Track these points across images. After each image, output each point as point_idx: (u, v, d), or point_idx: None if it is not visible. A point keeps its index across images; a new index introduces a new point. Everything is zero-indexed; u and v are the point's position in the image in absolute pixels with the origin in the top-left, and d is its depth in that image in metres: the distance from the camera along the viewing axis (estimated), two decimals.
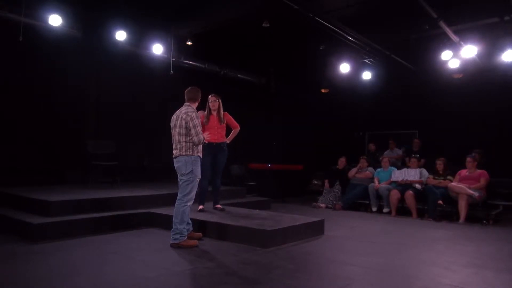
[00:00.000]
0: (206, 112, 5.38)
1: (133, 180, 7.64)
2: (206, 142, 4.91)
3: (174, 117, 4.33)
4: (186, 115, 4.16)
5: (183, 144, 4.14)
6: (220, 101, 5.40)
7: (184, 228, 4.12)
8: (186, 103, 4.37)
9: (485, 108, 8.94)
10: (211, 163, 5.32)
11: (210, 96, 5.37)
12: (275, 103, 11.35)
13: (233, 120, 5.56)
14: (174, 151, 4.22)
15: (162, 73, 8.25)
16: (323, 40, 8.35)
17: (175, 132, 4.23)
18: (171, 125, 4.34)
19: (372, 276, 3.34)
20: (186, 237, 4.15)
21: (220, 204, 5.59)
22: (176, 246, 4.07)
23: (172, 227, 4.13)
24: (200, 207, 5.37)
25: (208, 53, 9.31)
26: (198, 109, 4.56)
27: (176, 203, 4.16)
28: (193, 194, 4.19)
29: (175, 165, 4.20)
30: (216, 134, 5.33)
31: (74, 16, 6.84)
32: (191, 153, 4.14)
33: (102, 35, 7.16)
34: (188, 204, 4.16)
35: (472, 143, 7.70)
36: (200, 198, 5.30)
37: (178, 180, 4.22)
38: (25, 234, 4.33)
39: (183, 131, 4.15)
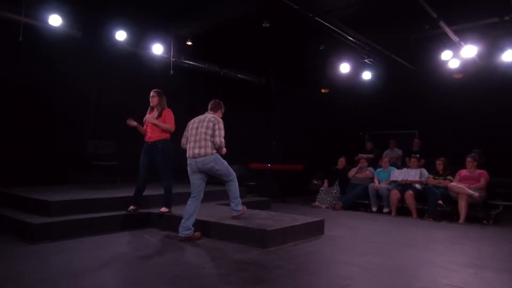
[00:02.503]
0: (149, 108, 5.22)
1: (133, 180, 7.63)
2: (145, 141, 5.09)
3: (196, 120, 4.62)
4: (214, 119, 4.52)
5: (209, 143, 4.43)
6: (161, 97, 5.10)
7: (239, 200, 4.76)
8: (210, 112, 4.70)
9: (485, 108, 8.95)
10: (147, 163, 5.05)
11: (151, 92, 5.17)
12: (275, 103, 11.35)
13: (172, 119, 5.07)
14: (196, 150, 4.44)
15: (162, 73, 8.24)
16: (323, 40, 8.35)
17: (198, 132, 4.47)
18: (191, 126, 4.59)
19: (372, 276, 3.34)
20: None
21: (166, 207, 5.10)
22: (239, 216, 4.72)
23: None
24: (131, 207, 5.12)
25: (208, 53, 9.31)
26: None
27: (226, 185, 4.68)
28: (231, 171, 4.65)
29: (206, 166, 4.44)
30: (150, 132, 5.06)
31: (74, 16, 6.84)
32: (215, 152, 4.48)
33: (102, 35, 7.16)
34: (234, 178, 4.67)
35: (472, 143, 7.70)
36: (133, 198, 5.19)
37: (203, 178, 4.54)
38: (25, 234, 4.33)
39: (209, 131, 4.44)
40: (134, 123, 5.15)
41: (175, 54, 8.25)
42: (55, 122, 7.25)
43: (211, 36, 8.58)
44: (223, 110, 4.78)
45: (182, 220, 4.39)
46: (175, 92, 9.56)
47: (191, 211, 4.41)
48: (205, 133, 4.43)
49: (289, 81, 11.42)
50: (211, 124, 4.46)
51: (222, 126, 4.51)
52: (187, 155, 4.52)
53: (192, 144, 4.47)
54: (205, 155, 4.39)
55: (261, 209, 5.99)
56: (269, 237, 4.18)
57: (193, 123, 4.60)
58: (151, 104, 5.17)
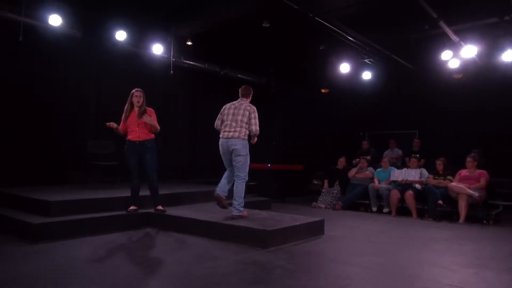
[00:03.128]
0: (127, 107, 5.12)
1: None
2: (128, 140, 5.05)
3: (231, 105, 4.99)
4: (250, 107, 4.90)
5: (243, 129, 4.81)
6: (144, 96, 5.13)
7: (243, 201, 4.82)
8: (243, 98, 5.06)
9: (485, 108, 8.94)
10: (138, 163, 5.06)
11: (135, 91, 5.11)
12: (275, 103, 11.35)
13: (156, 119, 5.19)
14: (230, 133, 4.80)
15: (162, 73, 8.24)
16: (323, 40, 8.34)
17: (234, 118, 4.84)
18: (226, 111, 4.96)
19: (372, 276, 3.35)
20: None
21: (161, 206, 5.24)
22: (238, 217, 4.74)
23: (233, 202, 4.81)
24: (132, 207, 5.15)
25: (208, 53, 9.31)
26: None
27: (235, 182, 4.83)
28: (247, 171, 4.88)
29: (232, 146, 4.77)
30: (138, 132, 5.04)
31: (74, 16, 6.83)
32: (247, 138, 4.85)
33: (102, 35, 7.15)
34: (246, 179, 4.84)
35: (472, 143, 7.69)
36: (131, 198, 5.18)
37: (232, 160, 4.83)
38: (25, 234, 4.33)
39: (245, 119, 4.82)
40: (114, 124, 5.06)
41: (175, 54, 8.25)
42: (55, 122, 7.25)
43: (211, 36, 8.57)
44: (251, 96, 5.15)
45: (220, 183, 4.96)
46: (175, 92, 9.61)
47: (228, 180, 4.98)
48: (241, 120, 4.81)
49: (289, 81, 11.41)
50: (247, 113, 4.83)
51: (257, 115, 4.86)
52: (221, 135, 4.91)
53: (228, 128, 4.85)
54: (238, 137, 4.77)
55: (261, 209, 5.98)
56: (269, 237, 4.18)
57: (229, 108, 4.96)
58: (136, 104, 5.08)
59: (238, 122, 4.82)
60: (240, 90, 5.16)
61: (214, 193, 4.92)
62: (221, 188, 4.93)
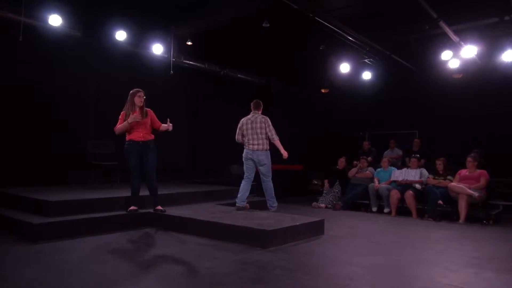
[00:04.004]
0: (128, 106, 5.06)
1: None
2: (131, 140, 5.02)
3: (248, 121, 5.74)
4: (263, 118, 5.70)
5: (265, 140, 5.65)
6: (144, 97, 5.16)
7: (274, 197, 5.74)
8: (255, 111, 5.81)
9: (485, 108, 8.94)
10: (139, 163, 5.05)
11: (136, 91, 5.09)
12: (275, 103, 11.34)
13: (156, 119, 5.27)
14: (255, 146, 5.63)
15: (162, 73, 8.24)
16: (323, 40, 8.34)
17: (254, 132, 5.65)
18: (245, 127, 5.71)
19: (372, 276, 3.34)
20: None
21: (161, 206, 5.26)
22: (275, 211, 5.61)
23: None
24: (132, 207, 5.13)
25: (208, 53, 9.31)
26: None
27: (264, 183, 5.70)
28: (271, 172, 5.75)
29: (258, 157, 5.63)
30: (143, 131, 5.04)
31: (74, 16, 6.83)
32: (268, 148, 5.68)
33: (102, 35, 7.15)
34: (272, 183, 5.73)
35: (472, 143, 7.69)
36: (132, 198, 5.18)
37: (253, 167, 5.71)
38: (25, 234, 4.33)
39: (263, 130, 5.63)
40: (138, 117, 4.98)
41: (175, 54, 8.25)
42: (55, 122, 7.25)
43: (211, 36, 8.57)
44: (262, 107, 5.90)
45: (239, 195, 5.67)
46: (175, 92, 9.61)
47: (246, 188, 5.69)
48: (260, 133, 5.63)
49: (289, 81, 11.42)
50: (263, 125, 5.65)
51: (270, 123, 5.70)
52: (246, 148, 5.70)
53: (251, 141, 5.65)
54: (262, 150, 5.62)
55: (261, 209, 5.98)
56: (269, 237, 4.18)
57: (246, 123, 5.73)
58: (139, 104, 5.07)
59: (258, 135, 5.63)
60: (252, 104, 5.86)
61: (237, 208, 5.60)
62: (241, 199, 5.67)
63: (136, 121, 5.01)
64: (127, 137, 5.09)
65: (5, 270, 3.25)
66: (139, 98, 5.09)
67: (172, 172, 8.70)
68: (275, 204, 5.77)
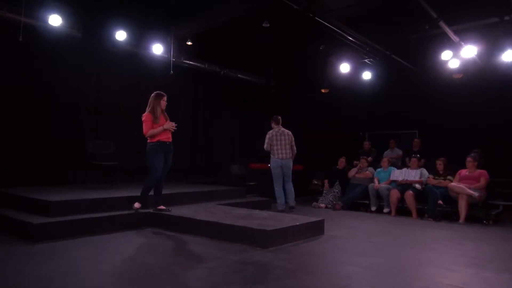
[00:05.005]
0: (155, 108, 5.13)
1: (133, 180, 7.64)
2: (159, 141, 5.09)
3: (276, 133, 6.90)
4: (290, 133, 6.98)
5: (289, 150, 6.90)
6: None
7: None
8: (279, 126, 6.98)
9: (485, 108, 8.94)
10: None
11: (162, 95, 5.23)
12: (275, 103, 11.35)
13: None
14: (285, 155, 6.85)
15: (162, 73, 8.24)
16: (323, 40, 8.34)
17: (284, 143, 6.86)
18: (275, 138, 6.86)
19: (372, 276, 3.34)
20: None
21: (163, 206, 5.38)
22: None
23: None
24: (140, 205, 5.18)
25: (208, 53, 9.31)
26: None
27: (290, 185, 6.94)
28: None
29: (287, 164, 6.88)
30: (169, 132, 5.20)
31: (74, 16, 6.83)
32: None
33: (102, 35, 7.16)
34: None
35: (472, 143, 7.69)
36: (143, 198, 5.21)
37: (284, 172, 6.90)
38: (25, 234, 4.33)
39: (291, 142, 6.94)
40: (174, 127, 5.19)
41: (175, 54, 8.25)
42: (55, 122, 7.25)
43: (211, 36, 8.57)
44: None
45: (279, 201, 6.82)
46: (175, 92, 9.60)
47: (282, 192, 6.88)
48: (289, 144, 6.88)
49: (289, 81, 11.42)
50: (291, 138, 6.93)
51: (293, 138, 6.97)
52: (277, 157, 6.82)
53: (280, 150, 6.82)
54: (289, 158, 6.88)
55: (261, 209, 5.99)
56: (269, 237, 4.18)
57: (276, 135, 6.87)
58: (163, 108, 5.22)
59: (288, 145, 6.86)
60: (274, 119, 7.05)
61: (280, 211, 6.50)
62: (283, 202, 6.80)
63: (164, 123, 5.12)
64: (155, 139, 5.12)
65: (5, 270, 3.25)
66: (164, 102, 5.23)
67: (172, 172, 8.70)
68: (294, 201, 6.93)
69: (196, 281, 3.07)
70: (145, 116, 5.12)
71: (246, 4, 7.13)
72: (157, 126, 5.08)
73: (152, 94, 5.22)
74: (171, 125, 5.13)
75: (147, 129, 5.07)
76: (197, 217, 4.91)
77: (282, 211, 6.49)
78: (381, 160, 7.92)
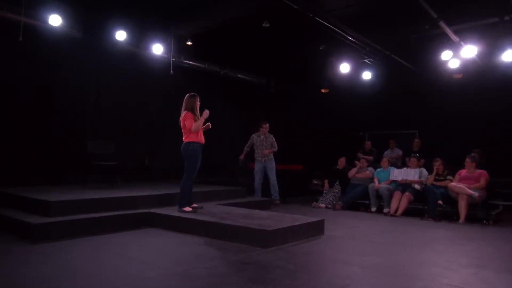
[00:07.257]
0: (193, 108, 5.23)
1: (133, 180, 7.65)
2: (198, 142, 5.21)
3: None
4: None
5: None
6: None
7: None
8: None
9: (485, 108, 8.94)
10: None
11: (197, 96, 5.33)
12: (275, 103, 11.35)
13: None
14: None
15: (162, 73, 8.24)
16: (323, 40, 8.35)
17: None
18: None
19: (372, 276, 3.34)
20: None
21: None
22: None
23: None
24: (194, 205, 5.34)
25: (208, 53, 9.31)
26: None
27: (274, 182, 7.78)
28: None
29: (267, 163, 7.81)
30: (203, 134, 5.36)
31: (74, 16, 6.84)
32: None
33: (102, 35, 7.16)
34: None
35: (472, 143, 7.69)
36: (187, 199, 5.28)
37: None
38: (25, 234, 4.33)
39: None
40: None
41: (175, 54, 8.25)
42: (55, 122, 7.25)
43: (211, 36, 8.57)
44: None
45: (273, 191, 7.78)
46: (175, 92, 9.60)
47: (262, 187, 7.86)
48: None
49: (289, 81, 11.42)
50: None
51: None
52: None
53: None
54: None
55: (261, 209, 5.98)
56: (269, 237, 4.18)
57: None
58: (198, 108, 5.27)
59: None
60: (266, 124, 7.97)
61: (275, 202, 7.62)
62: (258, 193, 7.82)
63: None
64: (195, 139, 5.18)
65: (5, 270, 3.25)
66: (199, 102, 5.30)
67: (172, 172, 8.71)
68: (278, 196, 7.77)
69: (197, 281, 3.07)
70: (186, 114, 5.17)
71: (246, 4, 7.13)
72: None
73: (187, 96, 5.28)
74: (207, 113, 5.20)
75: (191, 125, 5.11)
76: (197, 217, 4.90)
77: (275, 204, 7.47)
78: (381, 160, 7.92)
